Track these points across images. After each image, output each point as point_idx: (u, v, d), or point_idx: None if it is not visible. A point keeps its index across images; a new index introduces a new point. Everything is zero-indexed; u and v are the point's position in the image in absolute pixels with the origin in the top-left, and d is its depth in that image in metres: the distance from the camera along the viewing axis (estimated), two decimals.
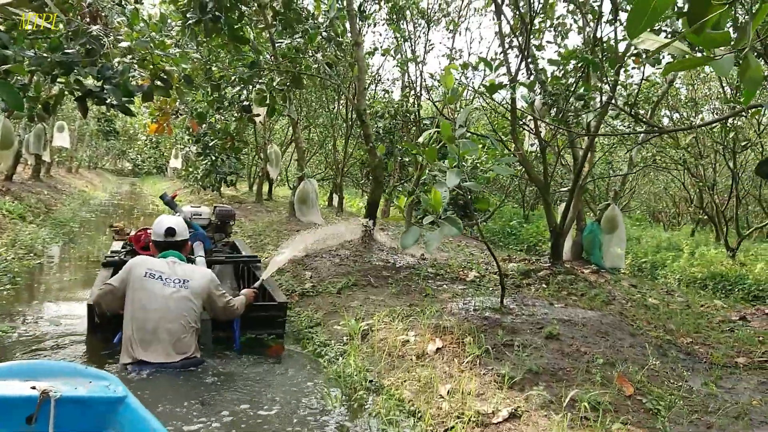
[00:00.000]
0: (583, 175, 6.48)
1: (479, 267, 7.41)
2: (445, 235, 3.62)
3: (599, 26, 6.33)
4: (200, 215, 6.02)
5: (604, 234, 8.62)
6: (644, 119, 4.12)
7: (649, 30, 2.16)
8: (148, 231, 5.14)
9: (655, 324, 4.85)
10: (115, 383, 2.03)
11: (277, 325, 4.51)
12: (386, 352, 3.97)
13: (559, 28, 9.66)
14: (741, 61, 1.91)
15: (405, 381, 3.58)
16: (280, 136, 19.04)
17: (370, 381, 3.70)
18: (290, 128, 17.87)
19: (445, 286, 6.22)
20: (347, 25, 8.41)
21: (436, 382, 3.42)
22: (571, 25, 9.80)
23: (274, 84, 7.88)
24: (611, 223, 8.62)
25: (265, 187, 16.76)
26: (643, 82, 7.54)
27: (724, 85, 12.41)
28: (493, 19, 9.16)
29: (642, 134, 4.98)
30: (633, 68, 7.52)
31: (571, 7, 9.77)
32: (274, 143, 14.37)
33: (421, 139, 4.09)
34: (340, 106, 13.95)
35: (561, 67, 7.35)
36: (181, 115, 10.38)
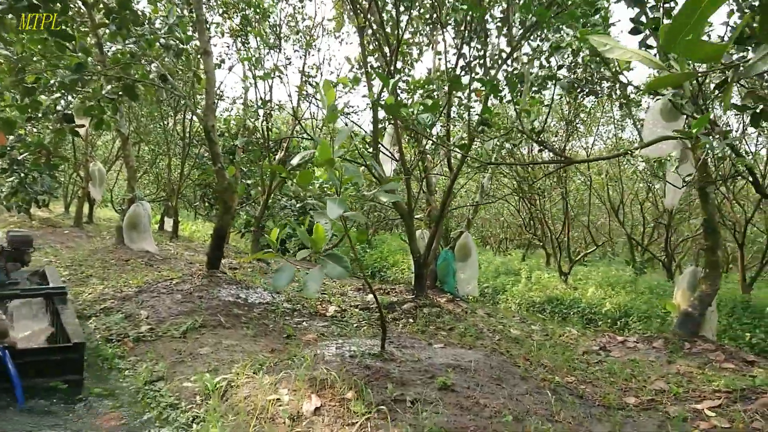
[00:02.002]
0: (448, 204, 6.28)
1: (337, 299, 6.92)
2: (329, 275, 3.07)
3: (460, 58, 6.22)
4: None
5: (457, 262, 8.57)
6: (550, 148, 3.91)
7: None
8: None
9: (532, 360, 4.66)
10: None
11: (73, 370, 3.90)
12: (253, 415, 3.30)
13: (407, 58, 9.63)
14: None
15: None
16: (104, 153, 17.20)
17: None
18: (115, 144, 16.21)
19: (305, 323, 5.64)
20: (191, 32, 7.60)
21: None
22: (418, 54, 9.82)
23: (104, 92, 6.83)
24: (464, 250, 8.58)
25: (86, 209, 14.93)
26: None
27: (560, 118, 13.23)
28: (343, 42, 8.80)
29: (552, 164, 4.84)
30: (475, 100, 7.58)
31: (417, 38, 9.80)
32: (98, 160, 12.81)
33: (294, 161, 3.52)
34: (176, 122, 12.82)
35: (409, 95, 7.17)
36: None
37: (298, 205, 12.05)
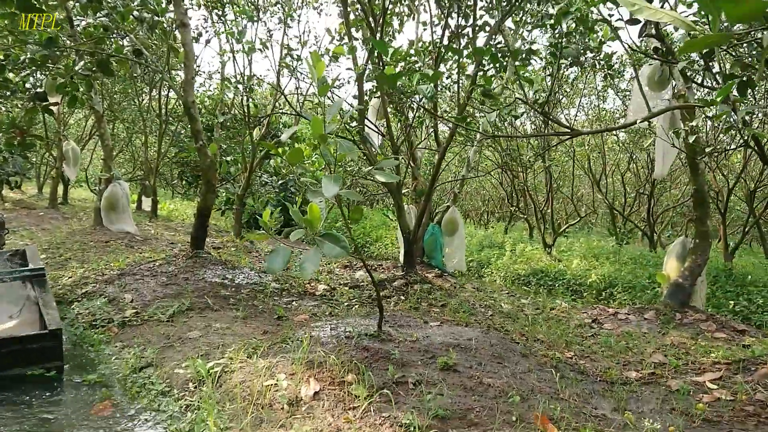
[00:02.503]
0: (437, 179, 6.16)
1: (325, 277, 6.81)
2: (326, 255, 2.95)
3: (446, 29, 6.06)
4: None
5: (444, 236, 8.49)
6: (555, 119, 3.79)
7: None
8: None
9: (528, 336, 4.61)
10: None
11: (51, 357, 3.81)
12: (250, 401, 3.19)
13: (389, 29, 9.42)
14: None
15: None
16: (76, 131, 16.74)
17: None
18: (88, 122, 15.76)
19: (295, 303, 5.53)
20: (165, 4, 7.30)
21: None
22: (399, 25, 9.61)
23: (77, 68, 6.55)
24: (451, 225, 8.50)
25: (60, 190, 14.55)
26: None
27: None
28: (322, 13, 8.50)
29: (556, 135, 4.69)
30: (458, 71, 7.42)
31: (398, 9, 9.58)
32: (71, 139, 12.44)
33: (284, 137, 3.36)
34: (151, 99, 12.47)
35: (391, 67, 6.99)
36: None
37: (279, 182, 11.85)
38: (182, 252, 7.14)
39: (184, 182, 17.75)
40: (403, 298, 5.68)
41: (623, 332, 5.11)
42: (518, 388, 3.12)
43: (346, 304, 5.49)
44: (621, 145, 13.51)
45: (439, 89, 6.84)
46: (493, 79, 7.03)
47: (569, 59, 6.72)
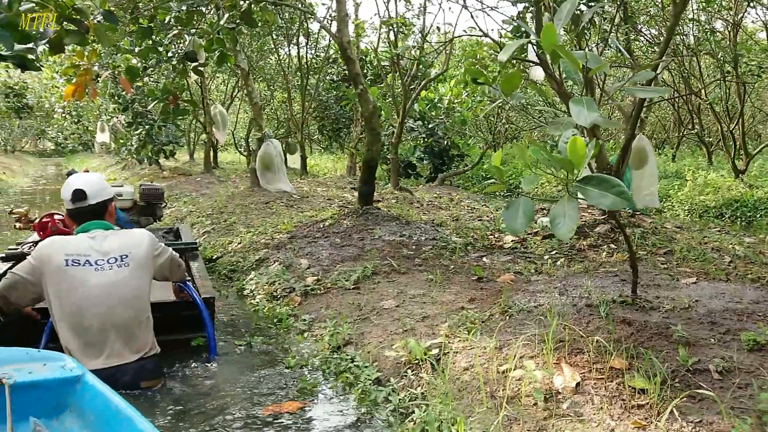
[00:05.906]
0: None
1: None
2: (597, 206, 2.17)
3: None
4: (121, 196, 4.87)
5: (632, 170, 7.38)
6: None
7: None
8: (56, 216, 3.97)
9: None
10: (70, 362, 1.81)
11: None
12: (486, 392, 2.54)
13: None
14: None
15: None
16: (219, 94, 16.98)
17: None
18: (229, 85, 15.88)
19: (486, 259, 4.83)
20: None
21: None
22: None
23: (221, 22, 6.16)
24: (640, 155, 7.35)
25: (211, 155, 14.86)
26: None
27: None
28: None
29: None
30: None
31: None
32: (218, 103, 12.47)
33: (502, 56, 2.58)
34: (290, 53, 12.13)
35: None
36: (101, 77, 8.56)
37: (429, 125, 11.14)
38: (345, 208, 6.68)
39: (323, 136, 17.59)
40: (613, 246, 4.78)
41: None
42: None
43: (546, 257, 4.70)
44: None
45: None
46: None
47: None
